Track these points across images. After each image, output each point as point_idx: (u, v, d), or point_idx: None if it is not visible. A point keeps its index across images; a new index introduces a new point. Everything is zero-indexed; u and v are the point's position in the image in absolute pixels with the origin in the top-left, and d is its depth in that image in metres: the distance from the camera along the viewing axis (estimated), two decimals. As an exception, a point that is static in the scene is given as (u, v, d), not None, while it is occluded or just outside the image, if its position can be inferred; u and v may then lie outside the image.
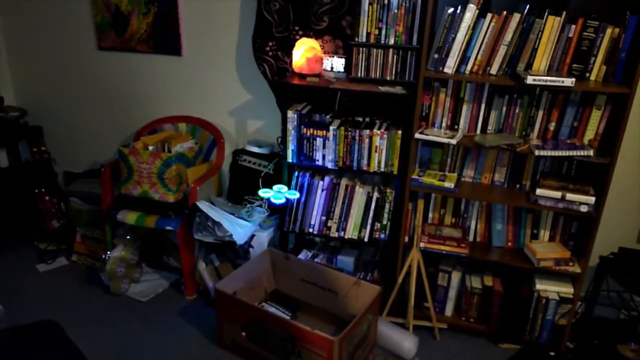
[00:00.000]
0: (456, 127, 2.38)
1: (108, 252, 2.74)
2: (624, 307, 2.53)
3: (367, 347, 2.36)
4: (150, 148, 2.64)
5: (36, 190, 3.10)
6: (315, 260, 2.70)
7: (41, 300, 2.71)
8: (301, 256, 2.72)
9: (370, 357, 2.37)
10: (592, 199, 2.17)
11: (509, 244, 2.50)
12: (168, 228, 2.60)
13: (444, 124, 2.39)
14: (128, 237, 2.82)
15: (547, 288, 2.38)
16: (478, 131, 2.37)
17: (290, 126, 2.47)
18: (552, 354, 2.39)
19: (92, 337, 2.45)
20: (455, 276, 2.54)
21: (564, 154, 2.13)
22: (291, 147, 2.51)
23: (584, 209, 2.19)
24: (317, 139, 2.45)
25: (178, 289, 2.86)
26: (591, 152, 2.12)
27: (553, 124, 2.27)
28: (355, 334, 2.17)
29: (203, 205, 2.56)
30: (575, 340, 2.45)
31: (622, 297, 2.53)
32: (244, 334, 2.29)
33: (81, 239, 3.07)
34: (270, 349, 2.23)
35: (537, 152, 2.14)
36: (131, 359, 2.34)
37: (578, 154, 2.12)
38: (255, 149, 2.81)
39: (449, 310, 2.61)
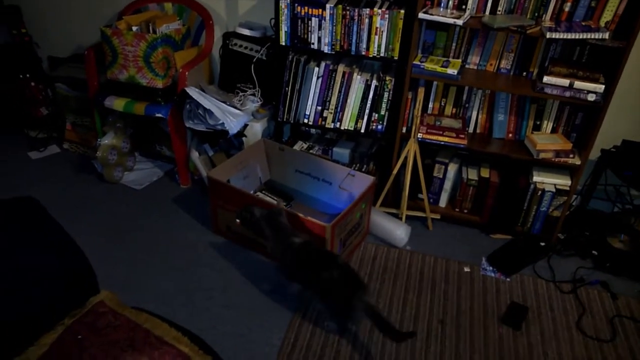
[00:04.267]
0: (464, 7, 2.19)
1: (99, 140, 2.68)
2: (620, 201, 2.52)
3: (360, 234, 2.38)
4: (134, 29, 2.47)
5: (20, 76, 2.96)
6: (311, 152, 2.64)
7: (34, 187, 2.70)
8: (296, 148, 2.67)
9: (363, 244, 2.41)
10: (601, 87, 2.05)
11: (510, 135, 2.42)
12: (158, 115, 2.51)
13: (450, 4, 2.20)
14: (118, 124, 2.74)
15: (544, 180, 2.35)
16: (487, 12, 2.18)
17: (283, 4, 2.28)
18: (543, 244, 2.42)
19: (85, 221, 2.46)
20: (452, 168, 2.50)
21: (577, 37, 1.97)
22: (284, 28, 2.34)
23: (591, 97, 2.08)
24: (313, 18, 2.27)
25: (173, 178, 2.84)
26: (607, 35, 1.96)
27: (568, 4, 2.08)
28: (348, 222, 2.18)
29: (192, 92, 2.45)
30: (566, 231, 2.46)
31: (618, 191, 2.50)
32: (238, 221, 2.30)
33: (71, 127, 3.00)
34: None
35: (548, 35, 1.98)
36: (125, 242, 2.37)
37: (593, 36, 1.96)
38: (247, 32, 2.63)
39: (443, 202, 2.60)
